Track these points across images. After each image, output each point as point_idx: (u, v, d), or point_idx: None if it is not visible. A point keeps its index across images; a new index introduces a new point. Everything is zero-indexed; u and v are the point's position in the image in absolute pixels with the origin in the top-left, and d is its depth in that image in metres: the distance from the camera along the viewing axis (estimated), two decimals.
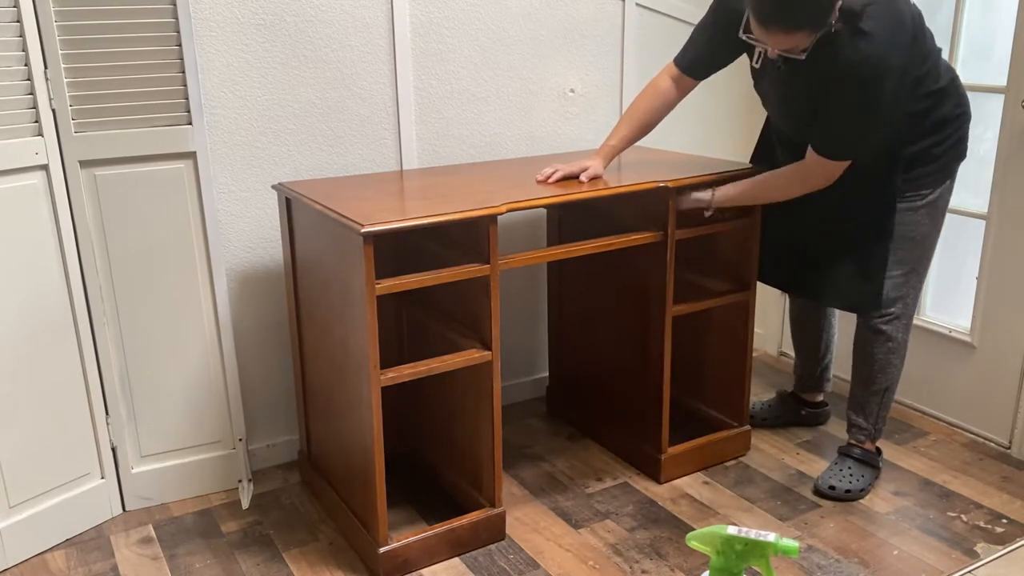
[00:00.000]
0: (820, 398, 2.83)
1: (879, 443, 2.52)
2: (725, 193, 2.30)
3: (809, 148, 2.18)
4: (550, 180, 2.30)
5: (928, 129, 2.24)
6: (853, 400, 2.50)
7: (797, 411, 2.82)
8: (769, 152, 2.48)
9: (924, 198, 2.29)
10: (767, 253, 2.49)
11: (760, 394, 3.02)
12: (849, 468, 2.45)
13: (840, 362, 2.79)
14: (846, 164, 2.17)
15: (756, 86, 2.37)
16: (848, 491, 2.41)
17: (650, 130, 2.44)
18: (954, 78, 2.27)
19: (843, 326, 2.74)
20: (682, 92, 2.40)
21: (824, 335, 2.72)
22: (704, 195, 2.30)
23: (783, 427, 2.81)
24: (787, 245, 2.47)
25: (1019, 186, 2.53)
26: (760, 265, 2.50)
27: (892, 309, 2.35)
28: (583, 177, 2.31)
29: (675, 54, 2.42)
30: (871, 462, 2.47)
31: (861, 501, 2.41)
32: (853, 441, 2.49)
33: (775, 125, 2.44)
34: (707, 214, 2.33)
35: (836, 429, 2.80)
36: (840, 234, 2.34)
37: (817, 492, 2.44)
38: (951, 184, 2.34)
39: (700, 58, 2.36)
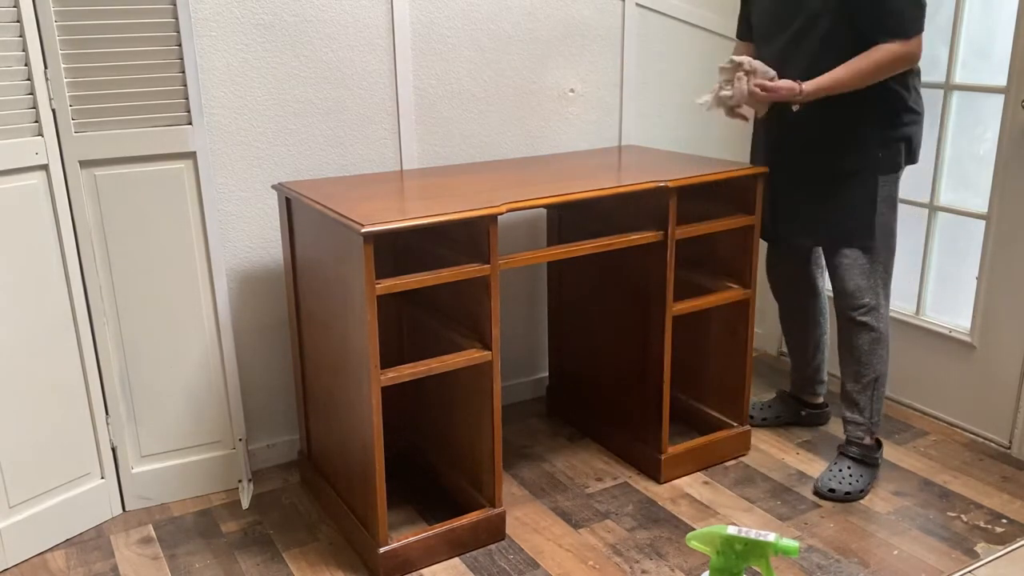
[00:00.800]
0: (819, 400, 2.83)
1: (879, 436, 2.53)
2: (816, 84, 2.25)
3: (880, 43, 2.18)
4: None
5: (896, 105, 2.28)
6: (845, 397, 2.51)
7: (797, 412, 2.83)
8: (759, 151, 2.54)
9: (881, 187, 2.33)
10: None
11: (760, 394, 3.02)
12: (848, 468, 2.45)
13: (834, 364, 2.79)
14: (920, 39, 2.19)
15: (757, 12, 2.44)
16: (848, 493, 2.42)
17: None
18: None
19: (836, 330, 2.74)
20: (749, 52, 2.48)
21: (813, 334, 2.73)
22: (793, 85, 2.25)
23: (783, 427, 2.81)
24: (774, 198, 2.50)
25: (1019, 186, 2.53)
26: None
27: (865, 300, 2.38)
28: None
29: (675, 54, 2.43)
30: (869, 461, 2.47)
31: (861, 501, 2.41)
32: (851, 439, 2.50)
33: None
34: (795, 108, 2.29)
35: (836, 429, 2.80)
36: (828, 175, 2.37)
37: (817, 494, 2.44)
38: (898, 179, 2.38)
39: (742, 21, 2.54)
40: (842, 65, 2.22)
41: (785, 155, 2.44)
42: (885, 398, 2.93)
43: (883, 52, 2.20)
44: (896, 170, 2.35)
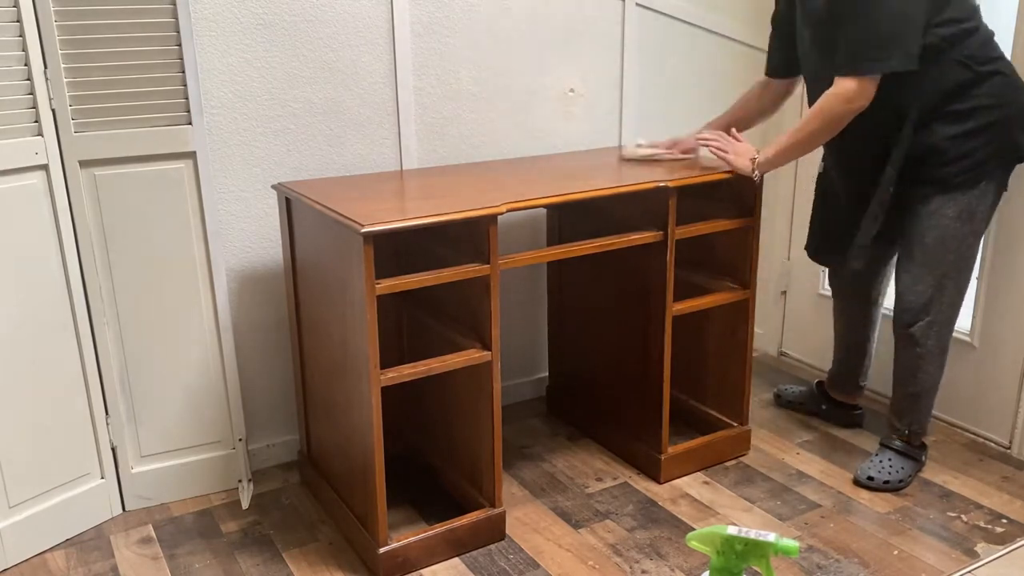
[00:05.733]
0: (853, 400, 2.81)
1: (925, 439, 2.55)
2: (766, 157, 2.28)
3: (838, 73, 2.15)
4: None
5: (956, 111, 2.19)
6: (892, 400, 2.51)
7: (818, 404, 2.85)
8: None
9: (953, 201, 2.24)
10: (821, 232, 2.57)
11: (760, 394, 3.02)
12: (889, 460, 2.47)
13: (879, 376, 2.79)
14: (875, 78, 2.11)
15: (800, 54, 2.40)
16: (887, 482, 2.44)
17: (749, 122, 2.60)
18: (998, 60, 2.23)
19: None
20: (773, 92, 2.56)
21: (855, 336, 2.71)
22: (744, 165, 2.30)
23: (784, 426, 2.82)
24: (833, 221, 2.51)
25: (1019, 186, 2.52)
26: (818, 245, 2.60)
27: (923, 315, 2.33)
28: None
29: (675, 54, 2.43)
30: (912, 455, 2.49)
31: (861, 501, 2.41)
32: (891, 434, 2.53)
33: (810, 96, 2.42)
34: (756, 179, 2.33)
35: (842, 433, 2.80)
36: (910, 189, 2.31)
37: (856, 482, 2.47)
38: (993, 188, 2.28)
39: (771, 53, 2.53)
40: (794, 128, 2.25)
41: (856, 180, 2.39)
42: (884, 398, 2.93)
43: (832, 91, 2.15)
44: (966, 188, 2.24)
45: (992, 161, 2.23)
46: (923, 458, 2.53)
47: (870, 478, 2.44)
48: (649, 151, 2.56)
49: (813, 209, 2.61)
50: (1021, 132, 2.24)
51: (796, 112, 2.86)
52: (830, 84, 2.18)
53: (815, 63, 2.31)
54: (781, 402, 2.94)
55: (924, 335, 2.36)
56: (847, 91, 2.14)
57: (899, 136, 2.22)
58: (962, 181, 2.23)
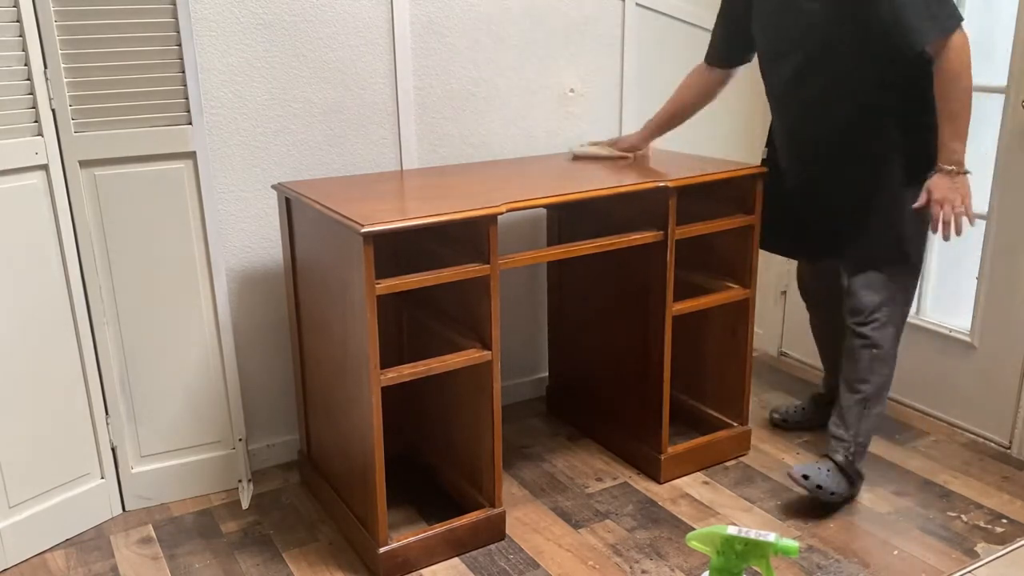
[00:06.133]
0: None
1: (862, 470, 2.40)
2: (957, 157, 2.12)
3: (928, 48, 2.07)
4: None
5: (926, 121, 2.17)
6: (837, 409, 2.39)
7: (825, 419, 2.59)
8: (775, 166, 2.47)
9: (913, 197, 2.22)
10: (777, 223, 2.48)
11: (760, 394, 3.02)
12: (828, 470, 2.34)
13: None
14: (958, 32, 2.05)
15: (761, 30, 2.35)
16: (820, 487, 2.31)
17: (686, 115, 2.60)
18: None
19: None
20: (714, 81, 2.53)
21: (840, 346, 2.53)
22: (966, 190, 2.13)
23: (791, 427, 2.80)
24: (800, 213, 2.43)
25: (1019, 186, 2.53)
26: (772, 236, 2.51)
27: (877, 315, 2.29)
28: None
29: (675, 54, 2.43)
30: (849, 476, 2.36)
31: (861, 501, 2.41)
32: (833, 450, 2.38)
33: (769, 86, 2.40)
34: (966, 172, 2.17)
35: None
36: (854, 191, 2.29)
37: (791, 476, 2.35)
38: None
39: (719, 42, 2.50)
40: (943, 118, 2.11)
41: (807, 168, 2.39)
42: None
43: (950, 59, 2.07)
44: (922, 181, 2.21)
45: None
46: (858, 486, 2.41)
47: (806, 476, 2.31)
48: (595, 149, 2.65)
49: (767, 197, 2.48)
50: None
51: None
52: (837, 61, 2.19)
53: (820, 40, 2.21)
54: (784, 424, 2.79)
55: (880, 336, 2.31)
56: (960, 44, 2.06)
57: (884, 130, 2.23)
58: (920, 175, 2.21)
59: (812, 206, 2.40)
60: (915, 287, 2.38)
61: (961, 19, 2.07)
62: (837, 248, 2.36)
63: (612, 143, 2.67)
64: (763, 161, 2.53)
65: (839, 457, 2.36)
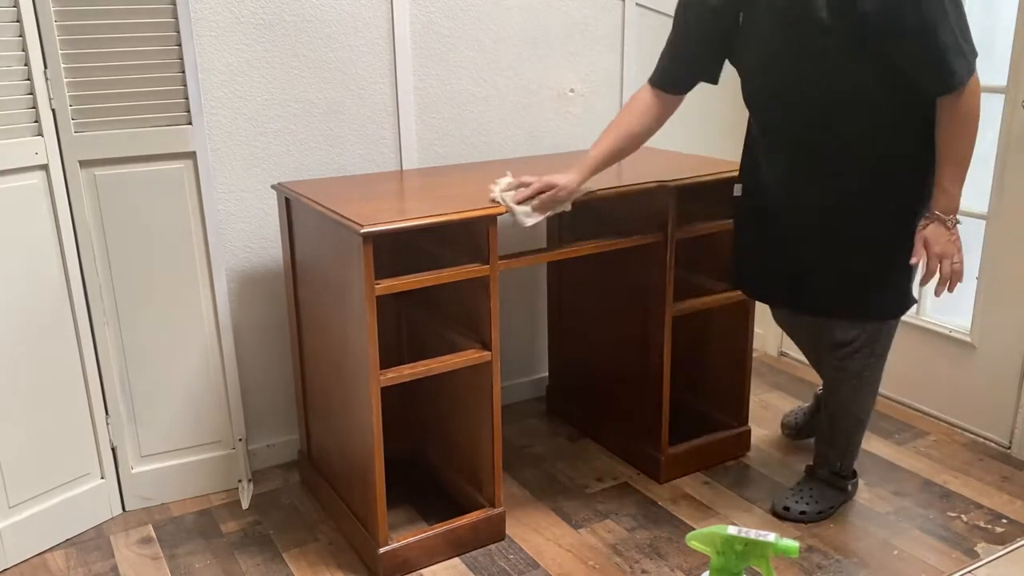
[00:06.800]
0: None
1: (856, 470, 2.38)
2: (949, 205, 1.93)
3: (939, 97, 1.87)
4: (518, 199, 2.05)
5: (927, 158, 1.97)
6: (821, 431, 2.34)
7: (842, 486, 2.40)
8: (753, 167, 2.21)
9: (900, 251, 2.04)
10: (755, 267, 2.26)
11: (760, 394, 3.02)
12: (811, 490, 2.32)
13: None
14: (975, 79, 1.84)
15: (744, 53, 2.07)
16: (803, 512, 2.28)
17: (633, 147, 2.22)
18: None
19: None
20: (664, 108, 2.19)
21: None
22: (955, 246, 1.95)
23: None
24: (779, 258, 2.19)
25: (1019, 186, 2.53)
26: (749, 279, 2.29)
27: (859, 347, 2.14)
28: (546, 197, 2.08)
29: None
30: (838, 485, 2.33)
31: (861, 501, 2.41)
32: (819, 463, 2.35)
33: (764, 124, 2.13)
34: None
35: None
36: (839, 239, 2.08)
37: (772, 512, 2.32)
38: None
39: (673, 65, 2.16)
40: (948, 162, 1.90)
41: (804, 231, 2.12)
42: (884, 399, 2.93)
43: (961, 105, 1.86)
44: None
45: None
46: (850, 488, 2.36)
47: (786, 508, 2.29)
48: (518, 205, 2.07)
49: (741, 236, 2.27)
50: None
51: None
52: (810, 94, 1.95)
53: (796, 73, 1.96)
54: (794, 432, 2.68)
55: (862, 367, 2.17)
56: (977, 82, 1.85)
57: (904, 187, 2.01)
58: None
59: (803, 262, 2.13)
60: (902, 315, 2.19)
61: (977, 55, 1.88)
62: (826, 305, 2.14)
63: (542, 188, 2.09)
64: (737, 201, 2.25)
65: (824, 472, 2.33)
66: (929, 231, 1.95)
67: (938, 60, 1.81)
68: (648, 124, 2.19)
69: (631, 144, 2.20)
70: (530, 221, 2.06)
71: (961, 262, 1.96)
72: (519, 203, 2.05)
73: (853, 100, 1.93)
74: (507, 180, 2.10)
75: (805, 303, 2.18)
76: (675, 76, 2.17)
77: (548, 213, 2.10)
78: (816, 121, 1.99)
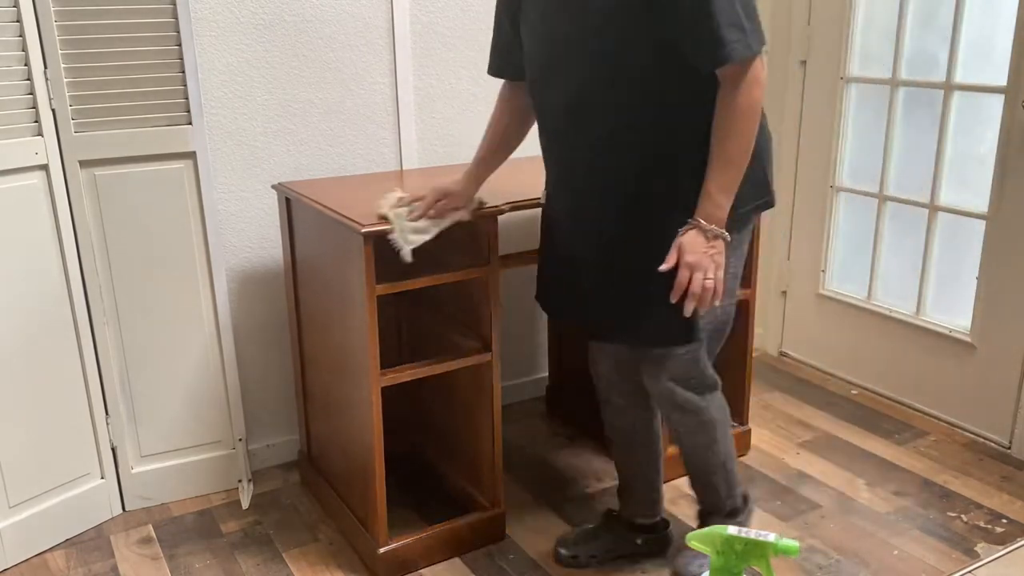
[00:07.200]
0: (659, 517, 2.19)
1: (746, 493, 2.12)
2: (715, 212, 1.70)
3: (719, 72, 1.64)
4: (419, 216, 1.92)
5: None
6: (696, 486, 2.07)
7: (632, 541, 2.17)
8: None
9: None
10: (553, 280, 2.00)
11: (760, 394, 3.02)
12: (704, 561, 2.02)
13: None
14: (760, 57, 1.64)
15: (525, 40, 1.86)
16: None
17: (510, 142, 2.05)
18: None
19: None
20: (524, 101, 1.96)
21: (640, 438, 2.11)
22: (719, 258, 1.71)
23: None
24: (566, 273, 1.94)
25: (1019, 186, 2.53)
26: (549, 296, 2.03)
27: (692, 385, 1.90)
28: (441, 206, 1.95)
29: None
30: (738, 514, 2.06)
31: (861, 501, 2.41)
32: (708, 510, 2.08)
33: (538, 119, 1.92)
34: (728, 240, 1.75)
35: (843, 432, 2.80)
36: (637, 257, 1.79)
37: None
38: (749, 235, 1.90)
39: (511, 50, 1.94)
40: (717, 162, 1.68)
41: (587, 232, 1.86)
42: (884, 399, 2.93)
43: (738, 94, 1.65)
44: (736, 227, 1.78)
45: (749, 202, 1.81)
46: (750, 507, 2.10)
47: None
48: (405, 210, 1.94)
49: (542, 244, 2.04)
50: (769, 166, 1.85)
51: None
52: (578, 74, 1.73)
53: (563, 48, 1.75)
54: (575, 562, 2.16)
55: (701, 404, 1.92)
56: (760, 73, 1.65)
57: (675, 173, 1.75)
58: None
59: (591, 274, 1.87)
60: (720, 339, 1.94)
61: (765, 44, 1.67)
62: (621, 330, 1.89)
63: (437, 197, 1.97)
64: (544, 206, 2.02)
65: (717, 518, 2.05)
66: (686, 238, 1.70)
67: (710, 30, 1.59)
68: (511, 115, 2.01)
69: (504, 141, 2.03)
70: (420, 239, 1.90)
71: (718, 280, 1.70)
72: (416, 219, 1.92)
73: (625, 89, 1.71)
74: (396, 195, 1.98)
75: (591, 325, 1.97)
76: (498, 63, 2.01)
77: (445, 224, 1.95)
78: (583, 114, 1.77)
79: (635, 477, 2.15)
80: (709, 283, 1.69)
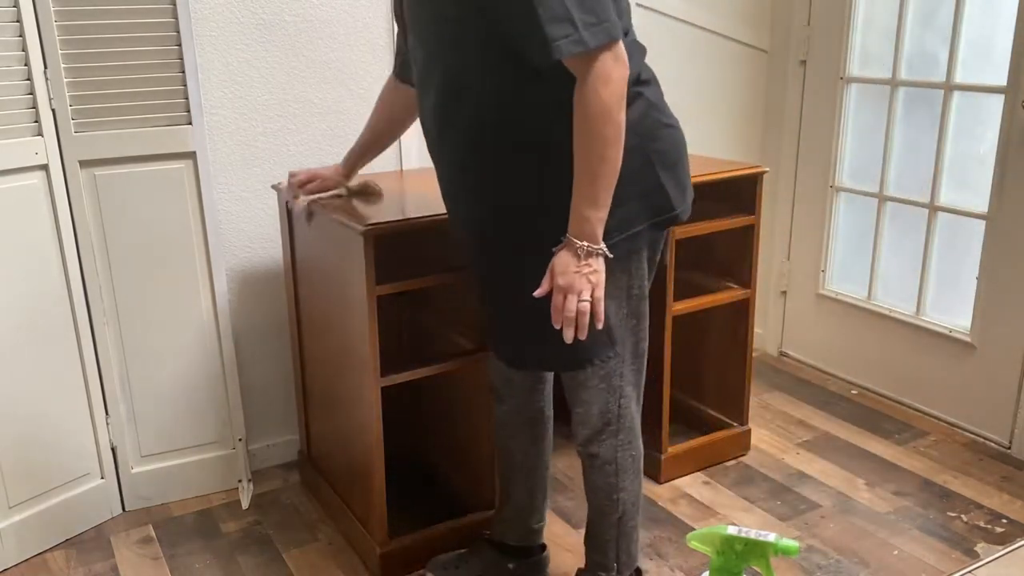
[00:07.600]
0: (540, 541, 2.11)
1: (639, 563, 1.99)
2: (588, 229, 1.54)
3: (564, 65, 1.49)
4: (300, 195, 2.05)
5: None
6: (589, 531, 1.93)
7: (504, 566, 2.07)
8: None
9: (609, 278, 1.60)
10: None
11: (760, 394, 3.02)
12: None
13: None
14: (610, 52, 1.47)
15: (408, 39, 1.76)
16: None
17: (384, 137, 2.09)
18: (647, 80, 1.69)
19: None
20: (406, 98, 1.95)
21: (527, 462, 2.03)
22: (598, 278, 1.56)
23: (781, 428, 2.78)
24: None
25: (1019, 186, 2.53)
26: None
27: (598, 427, 1.80)
28: (306, 193, 2.06)
29: (675, 54, 2.41)
30: None
31: (861, 501, 2.41)
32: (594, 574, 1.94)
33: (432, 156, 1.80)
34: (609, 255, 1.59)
35: (843, 432, 2.80)
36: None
37: None
38: (645, 253, 1.73)
39: (399, 55, 1.94)
40: (578, 173, 1.53)
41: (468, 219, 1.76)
42: (884, 399, 2.92)
43: (588, 98, 1.49)
44: (629, 246, 1.66)
45: (641, 217, 1.67)
46: None
47: None
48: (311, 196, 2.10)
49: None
50: (671, 178, 1.71)
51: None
52: (443, 77, 1.63)
53: (433, 50, 1.65)
54: None
55: (612, 449, 1.81)
56: (610, 68, 1.48)
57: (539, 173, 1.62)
58: (610, 247, 1.58)
59: (488, 293, 1.81)
60: (643, 377, 1.83)
61: (617, 34, 1.48)
62: (519, 353, 1.81)
63: (306, 178, 2.11)
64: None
65: None
66: (557, 258, 1.55)
67: (535, 26, 1.44)
68: (391, 119, 2.06)
69: (382, 139, 2.11)
70: (302, 203, 2.14)
71: (596, 300, 1.55)
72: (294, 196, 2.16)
73: (476, 96, 1.60)
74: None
75: (492, 346, 1.88)
76: (399, 65, 1.96)
77: (320, 195, 2.13)
78: (446, 121, 1.68)
79: (518, 492, 2.02)
80: (584, 305, 1.53)
